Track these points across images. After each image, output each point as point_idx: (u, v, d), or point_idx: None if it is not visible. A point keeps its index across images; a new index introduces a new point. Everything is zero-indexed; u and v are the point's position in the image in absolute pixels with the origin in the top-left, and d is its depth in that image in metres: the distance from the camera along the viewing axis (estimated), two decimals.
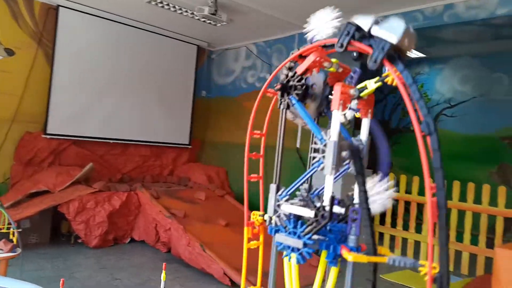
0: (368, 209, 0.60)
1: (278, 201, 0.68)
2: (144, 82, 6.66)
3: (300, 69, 1.10)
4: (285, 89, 1.07)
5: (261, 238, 0.60)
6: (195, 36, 7.03)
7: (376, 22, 0.99)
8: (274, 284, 0.72)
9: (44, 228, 4.93)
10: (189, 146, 7.25)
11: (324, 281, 0.93)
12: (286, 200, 0.70)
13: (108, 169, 6.34)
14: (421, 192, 5.41)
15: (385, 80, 0.91)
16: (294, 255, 0.48)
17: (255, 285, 3.65)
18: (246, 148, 0.78)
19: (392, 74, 0.84)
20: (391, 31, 0.91)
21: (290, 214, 0.65)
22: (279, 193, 0.68)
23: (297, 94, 1.09)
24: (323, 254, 0.63)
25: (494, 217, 4.87)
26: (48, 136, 5.70)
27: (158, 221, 4.87)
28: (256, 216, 0.65)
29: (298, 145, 6.97)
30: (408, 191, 5.59)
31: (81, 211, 4.80)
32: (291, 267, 0.55)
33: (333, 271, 0.51)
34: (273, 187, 0.68)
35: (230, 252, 4.37)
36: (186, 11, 5.54)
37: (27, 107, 5.60)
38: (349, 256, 0.55)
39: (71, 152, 5.97)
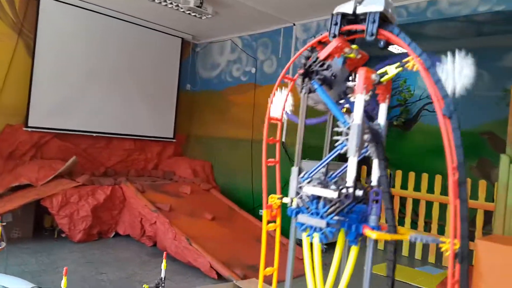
0: (390, 193, 0.62)
1: (300, 183, 0.69)
2: (128, 75, 6.58)
3: (322, 54, 1.11)
4: (307, 75, 1.08)
5: (278, 220, 0.61)
6: (179, 29, 6.97)
7: (358, 3, 1.07)
8: (292, 268, 0.73)
9: (26, 222, 4.85)
10: (174, 140, 7.21)
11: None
12: (308, 183, 0.71)
13: (91, 162, 6.26)
14: (417, 187, 5.49)
15: (406, 65, 0.94)
16: (316, 235, 0.50)
17: (242, 278, 3.67)
18: (264, 133, 0.79)
19: (413, 59, 0.87)
20: (375, 2, 1.00)
21: (312, 195, 0.66)
22: (301, 175, 0.69)
23: (319, 79, 1.10)
24: (341, 235, 0.64)
25: (474, 210, 5.00)
26: (30, 129, 5.59)
27: (144, 215, 4.84)
28: (274, 199, 0.67)
29: (283, 139, 7.02)
30: (404, 187, 5.66)
31: (65, 205, 4.74)
32: (310, 246, 0.57)
33: (354, 250, 0.53)
34: (295, 170, 0.70)
35: (217, 245, 4.38)
36: (171, 3, 5.48)
37: (7, 99, 5.47)
38: (373, 234, 0.57)
39: (53, 145, 5.87)
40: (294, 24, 6.02)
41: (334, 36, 1.10)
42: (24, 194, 4.80)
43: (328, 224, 0.52)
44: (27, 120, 5.58)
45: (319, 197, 0.70)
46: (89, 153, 6.26)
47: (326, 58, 1.12)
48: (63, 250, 4.49)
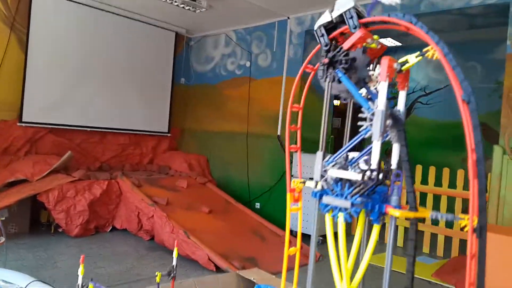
0: (412, 177, 0.66)
1: (325, 167, 0.71)
2: (122, 69, 6.55)
3: (346, 44, 1.17)
4: (331, 64, 1.12)
5: (300, 203, 0.64)
6: (173, 23, 6.94)
7: (331, 11, 1.18)
8: (315, 248, 0.75)
9: (23, 217, 4.83)
10: (168, 134, 7.21)
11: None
12: (332, 166, 0.74)
13: (86, 157, 6.25)
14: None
15: (426, 54, 0.97)
16: (341, 214, 0.53)
17: (239, 270, 3.67)
18: (287, 119, 0.82)
19: (433, 48, 0.90)
20: (345, 2, 1.13)
21: (336, 178, 0.69)
22: (326, 159, 0.71)
23: (343, 68, 1.13)
24: (362, 216, 0.67)
25: (467, 201, 5.06)
26: (24, 124, 5.56)
27: (141, 209, 4.85)
28: (297, 183, 0.69)
29: (278, 132, 7.03)
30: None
31: (61, 200, 4.73)
32: (332, 226, 0.60)
33: (376, 228, 0.56)
34: (319, 154, 0.73)
35: (214, 238, 4.41)
36: None
37: (1, 95, 5.43)
38: (396, 212, 0.60)
39: (48, 140, 5.85)
40: (288, 18, 6.02)
41: (355, 28, 1.18)
42: (20, 190, 4.79)
43: (352, 205, 0.56)
44: (21, 115, 5.55)
45: (342, 180, 0.74)
46: (83, 148, 6.24)
47: (349, 48, 1.16)
48: (60, 245, 4.49)
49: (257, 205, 6.15)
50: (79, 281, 0.78)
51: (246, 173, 6.35)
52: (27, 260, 3.95)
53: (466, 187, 5.09)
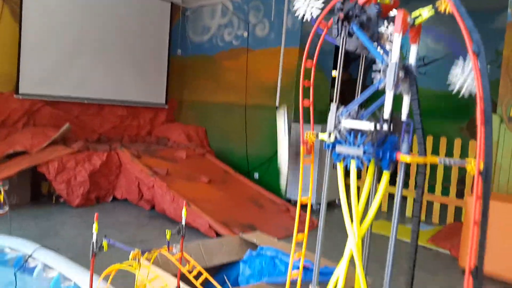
0: (423, 129, 0.69)
1: (339, 118, 0.73)
2: (118, 41, 6.47)
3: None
4: (346, 18, 1.12)
5: (312, 155, 0.66)
6: None
7: None
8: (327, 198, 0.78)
9: (23, 189, 4.86)
10: (166, 106, 7.19)
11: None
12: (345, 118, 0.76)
13: (84, 129, 6.24)
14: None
15: (438, 9, 0.98)
16: (353, 161, 0.55)
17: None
18: (301, 75, 0.82)
19: (446, 0, 0.91)
20: None
21: (350, 128, 0.71)
22: (340, 111, 0.73)
23: (358, 22, 1.13)
24: (371, 165, 0.70)
25: (464, 169, 5.13)
26: (21, 97, 5.53)
27: (141, 179, 4.89)
28: (309, 135, 0.71)
29: (277, 104, 6.99)
30: None
31: (62, 171, 4.76)
32: (343, 175, 0.62)
33: (386, 175, 0.59)
34: (333, 106, 0.75)
35: (214, 207, 4.47)
36: None
37: None
38: (407, 158, 0.63)
39: (45, 113, 5.83)
40: None
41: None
42: (20, 161, 4.80)
43: (364, 152, 0.58)
44: (18, 87, 5.51)
45: (355, 130, 0.76)
46: (81, 120, 6.23)
47: (364, 4, 1.16)
48: (63, 215, 4.54)
49: (256, 175, 6.21)
50: (94, 238, 0.80)
51: (245, 144, 6.37)
52: (30, 230, 4.01)
53: (463, 155, 5.15)
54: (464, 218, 4.24)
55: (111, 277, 0.86)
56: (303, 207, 0.88)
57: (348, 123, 0.74)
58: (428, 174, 5.46)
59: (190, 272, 0.86)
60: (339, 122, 0.76)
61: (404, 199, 5.79)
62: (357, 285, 0.48)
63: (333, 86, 7.63)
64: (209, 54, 7.10)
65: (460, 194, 5.16)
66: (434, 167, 5.37)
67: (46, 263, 2.50)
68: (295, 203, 5.47)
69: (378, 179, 0.78)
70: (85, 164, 4.90)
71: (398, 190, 0.60)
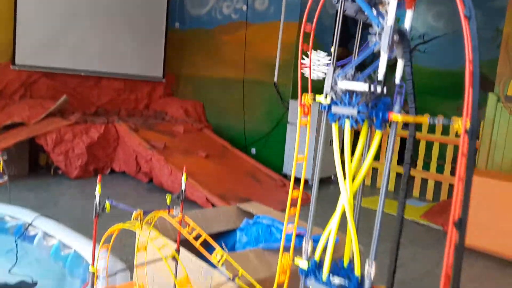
0: (414, 94, 0.71)
1: (335, 79, 0.75)
2: (115, 12, 6.38)
3: None
4: None
5: (309, 118, 0.68)
6: None
7: None
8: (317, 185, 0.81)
9: (21, 160, 4.88)
10: (163, 80, 7.15)
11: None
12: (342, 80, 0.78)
13: (81, 102, 6.22)
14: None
15: None
16: (348, 121, 0.57)
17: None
18: (300, 36, 0.83)
19: None
20: None
21: (345, 90, 0.74)
22: (336, 73, 0.75)
23: None
24: (365, 126, 0.72)
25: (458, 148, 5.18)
26: (17, 68, 5.49)
27: (139, 152, 4.92)
28: (307, 98, 0.73)
29: (275, 80, 6.97)
30: None
31: (60, 143, 4.77)
32: (338, 135, 0.65)
33: (378, 134, 0.61)
34: (330, 68, 0.76)
35: (211, 180, 4.52)
36: None
37: None
38: (399, 116, 0.65)
39: (42, 84, 5.80)
40: None
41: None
42: (17, 133, 4.80)
43: (358, 112, 0.60)
44: (14, 58, 5.46)
45: (350, 91, 0.78)
46: (78, 92, 6.20)
47: None
48: (61, 186, 4.58)
49: (253, 150, 6.24)
50: (97, 199, 0.83)
51: (242, 119, 6.38)
52: (29, 200, 4.04)
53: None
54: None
55: (114, 236, 0.89)
56: (299, 181, 0.90)
57: (344, 85, 0.76)
58: (423, 152, 5.52)
59: (189, 233, 0.89)
60: (336, 84, 0.78)
61: (398, 176, 5.86)
62: (349, 237, 0.51)
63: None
64: (208, 27, 7.02)
65: (454, 172, 5.20)
66: (429, 145, 5.42)
67: (46, 231, 2.55)
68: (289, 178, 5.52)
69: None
70: (83, 136, 4.92)
71: (388, 150, 0.62)
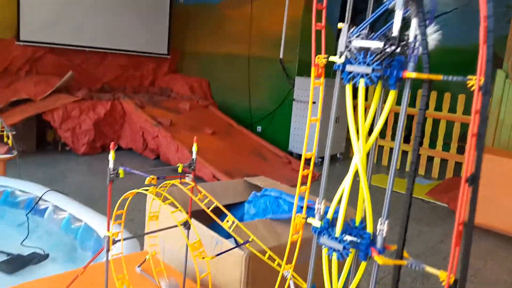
0: (428, 54, 0.70)
1: (350, 38, 0.75)
2: None
3: None
4: None
5: (322, 79, 0.68)
6: None
7: None
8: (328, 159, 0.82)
9: (29, 137, 4.92)
10: (168, 56, 7.11)
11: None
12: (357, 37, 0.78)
13: (87, 78, 6.21)
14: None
15: None
16: (362, 80, 0.58)
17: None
18: (313, 16, 0.83)
19: None
20: None
21: (360, 48, 0.73)
22: (351, 31, 0.75)
23: None
24: (379, 86, 0.73)
25: (466, 125, 5.16)
26: (22, 43, 5.47)
27: (145, 129, 4.94)
28: (320, 58, 0.73)
29: (281, 56, 6.90)
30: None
31: (67, 119, 4.79)
32: (351, 96, 0.65)
33: (392, 94, 0.62)
34: (345, 26, 0.76)
35: (217, 157, 4.54)
36: None
37: None
38: (413, 74, 0.66)
39: (48, 61, 5.79)
40: None
41: None
42: (24, 109, 4.83)
43: (373, 70, 0.60)
44: (19, 34, 5.44)
45: (365, 49, 0.77)
46: (84, 69, 6.19)
47: None
48: (69, 163, 4.63)
49: (259, 128, 6.24)
50: (110, 165, 0.84)
51: (248, 97, 6.36)
52: (38, 176, 4.09)
53: (466, 112, 5.16)
54: (463, 173, 4.32)
55: (128, 201, 0.91)
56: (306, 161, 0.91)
57: (359, 43, 0.76)
58: (430, 130, 5.50)
59: (201, 201, 0.91)
60: (350, 42, 0.78)
61: (404, 154, 5.85)
62: (361, 196, 0.52)
63: (338, 39, 7.50)
64: (212, 2, 6.92)
65: (461, 151, 5.20)
66: (436, 123, 5.39)
67: (56, 205, 2.59)
68: (297, 156, 5.54)
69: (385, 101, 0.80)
70: (90, 113, 4.93)
71: (402, 110, 0.63)
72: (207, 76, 6.95)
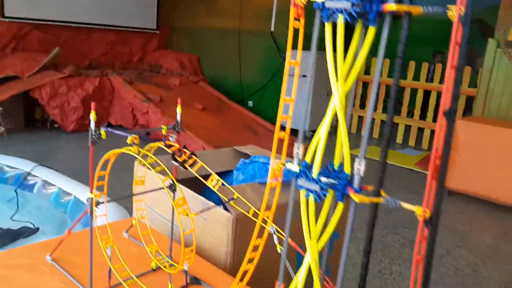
0: None
1: None
2: None
3: None
4: None
5: (302, 21, 0.66)
6: None
7: None
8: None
9: (17, 114, 4.86)
10: (157, 32, 6.99)
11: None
12: None
13: (74, 55, 6.10)
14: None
15: None
16: (341, 16, 0.56)
17: None
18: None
19: None
20: None
21: None
22: None
23: None
24: (358, 25, 0.71)
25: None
26: (7, 20, 5.33)
27: (135, 105, 4.89)
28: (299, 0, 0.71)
29: (272, 29, 6.81)
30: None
31: (54, 96, 4.73)
32: (331, 34, 0.64)
33: (371, 30, 0.60)
34: None
35: (208, 132, 4.53)
36: None
37: None
38: (394, 6, 0.64)
39: (34, 37, 5.66)
40: None
41: None
42: (11, 86, 4.75)
43: (353, 4, 0.59)
44: (3, 10, 5.30)
45: None
46: (71, 45, 6.07)
47: None
48: (58, 140, 4.59)
49: (250, 103, 6.21)
50: (92, 125, 0.82)
51: (239, 71, 6.30)
52: (27, 153, 4.05)
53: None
54: (452, 143, 4.35)
55: (111, 162, 0.90)
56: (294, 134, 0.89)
57: None
58: (408, 97, 5.52)
59: (185, 162, 0.89)
60: None
61: (395, 125, 5.87)
62: (339, 140, 0.52)
63: None
64: None
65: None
66: (427, 95, 5.39)
67: (45, 180, 2.57)
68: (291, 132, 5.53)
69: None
70: (78, 89, 4.87)
71: (382, 46, 0.61)
72: (197, 52, 6.86)
